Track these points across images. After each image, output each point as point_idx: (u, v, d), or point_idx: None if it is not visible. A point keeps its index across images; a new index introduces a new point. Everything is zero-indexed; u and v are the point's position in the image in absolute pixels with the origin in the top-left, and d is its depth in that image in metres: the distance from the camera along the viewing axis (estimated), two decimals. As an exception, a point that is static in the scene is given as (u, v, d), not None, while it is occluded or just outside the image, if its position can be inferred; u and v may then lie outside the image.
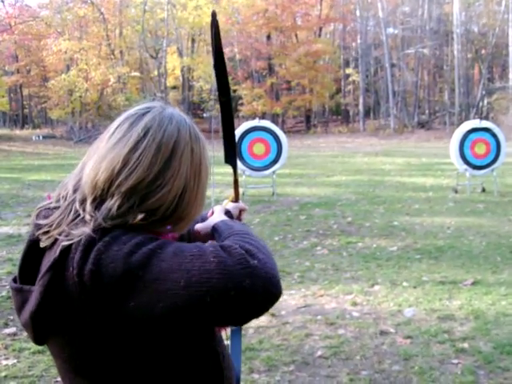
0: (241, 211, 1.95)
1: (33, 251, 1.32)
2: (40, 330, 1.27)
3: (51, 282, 1.20)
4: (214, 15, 1.64)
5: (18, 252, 7.82)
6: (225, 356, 1.45)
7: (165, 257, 1.15)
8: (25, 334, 4.90)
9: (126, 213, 1.24)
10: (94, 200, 1.26)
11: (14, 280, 1.34)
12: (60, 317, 1.22)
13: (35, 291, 1.23)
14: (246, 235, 1.30)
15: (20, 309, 1.28)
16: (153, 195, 1.26)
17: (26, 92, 54.65)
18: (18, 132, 44.83)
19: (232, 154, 1.88)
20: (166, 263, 1.14)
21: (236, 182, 1.98)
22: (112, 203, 1.24)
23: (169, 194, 1.27)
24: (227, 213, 1.77)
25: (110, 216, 1.23)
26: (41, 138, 39.82)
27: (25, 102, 56.23)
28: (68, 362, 1.30)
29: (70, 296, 1.19)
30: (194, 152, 1.33)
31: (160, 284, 1.12)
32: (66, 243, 1.21)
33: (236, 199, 1.97)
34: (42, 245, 1.28)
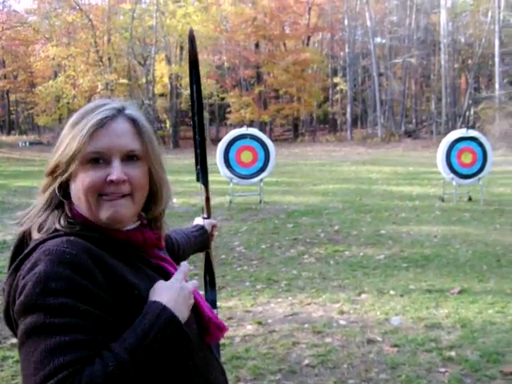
0: (213, 227, 2.09)
1: (18, 252, 1.40)
2: (12, 328, 1.37)
3: (13, 282, 1.32)
4: (191, 36, 1.66)
5: (3, 259, 7.74)
6: (199, 368, 1.45)
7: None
8: (8, 342, 4.84)
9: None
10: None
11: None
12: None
13: (4, 291, 1.34)
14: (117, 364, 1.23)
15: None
16: None
17: (12, 98, 54.37)
18: (4, 138, 44.60)
19: (204, 173, 1.94)
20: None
21: (208, 199, 2.06)
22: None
23: None
24: (201, 229, 2.01)
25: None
26: (27, 144, 39.62)
27: (11, 108, 55.92)
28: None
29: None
30: None
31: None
32: (29, 247, 1.35)
33: (208, 216, 2.09)
34: (14, 236, 1.43)
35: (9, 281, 1.33)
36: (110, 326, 1.26)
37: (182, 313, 1.33)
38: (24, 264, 1.29)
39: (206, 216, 2.01)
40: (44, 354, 1.16)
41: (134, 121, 1.45)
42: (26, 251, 1.33)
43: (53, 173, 1.41)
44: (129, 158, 1.41)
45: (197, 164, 1.82)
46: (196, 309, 1.46)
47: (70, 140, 1.37)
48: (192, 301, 1.40)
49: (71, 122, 1.41)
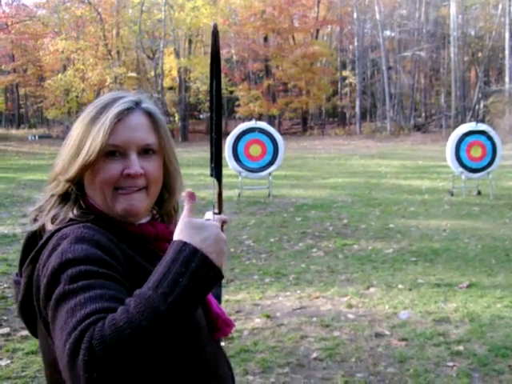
0: (223, 223, 2.04)
1: (30, 243, 1.40)
2: (28, 321, 1.37)
3: (32, 274, 1.30)
4: (215, 31, 1.63)
5: (13, 252, 7.79)
6: (209, 362, 1.44)
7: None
8: (18, 334, 4.88)
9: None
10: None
11: (17, 273, 1.42)
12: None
13: (21, 283, 1.33)
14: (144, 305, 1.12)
15: (16, 300, 1.37)
16: None
17: (22, 91, 54.52)
18: (13, 132, 44.75)
19: (218, 168, 1.93)
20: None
21: (220, 195, 2.03)
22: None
23: None
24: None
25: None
26: (37, 137, 39.75)
27: (21, 102, 56.11)
28: (43, 355, 1.38)
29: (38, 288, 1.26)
30: None
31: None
32: (44, 238, 1.34)
33: (219, 211, 2.03)
34: (28, 229, 1.42)
35: (26, 272, 1.32)
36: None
37: (211, 254, 1.22)
38: (42, 254, 1.28)
39: (217, 211, 1.99)
40: (67, 314, 1.12)
41: (150, 114, 1.46)
42: (41, 242, 1.33)
43: (81, 171, 1.39)
44: (145, 151, 1.42)
45: (212, 162, 1.82)
46: (204, 305, 1.45)
47: (94, 135, 1.37)
48: (225, 250, 1.29)
49: (90, 116, 1.40)
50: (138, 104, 1.45)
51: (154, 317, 1.09)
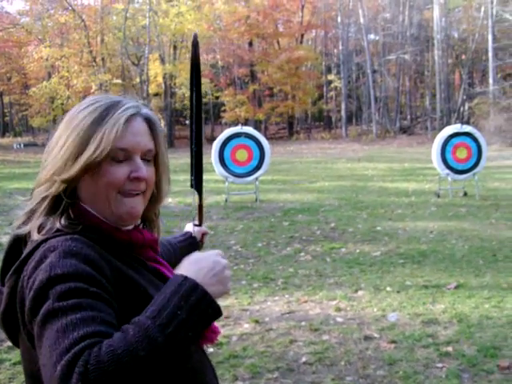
0: (203, 235, 2.05)
1: (14, 250, 1.39)
2: (9, 331, 1.34)
3: (15, 285, 1.27)
4: (195, 41, 1.61)
5: (-2, 261, 7.73)
6: (196, 370, 1.44)
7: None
8: (5, 344, 4.83)
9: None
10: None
11: None
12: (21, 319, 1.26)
13: (4, 293, 1.30)
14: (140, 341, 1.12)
15: None
16: None
17: (6, 100, 54.23)
18: (-2, 140, 44.46)
19: (198, 180, 1.93)
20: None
21: (200, 206, 2.02)
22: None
23: None
24: (190, 237, 2.00)
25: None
26: (22, 146, 39.52)
27: (5, 110, 55.80)
28: (25, 367, 1.36)
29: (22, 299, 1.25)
30: None
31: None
32: (29, 248, 1.31)
33: (200, 223, 2.04)
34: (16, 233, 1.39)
35: (10, 282, 1.29)
36: (117, 317, 1.21)
37: (212, 286, 1.24)
38: (27, 264, 1.26)
39: (197, 223, 1.98)
40: (57, 334, 1.10)
41: (149, 121, 1.47)
42: (26, 251, 1.30)
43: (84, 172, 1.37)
44: (145, 156, 1.44)
45: (192, 174, 1.81)
46: None
47: (103, 136, 1.35)
48: (228, 275, 1.31)
49: (93, 118, 1.37)
50: (139, 109, 1.45)
51: (151, 347, 1.10)
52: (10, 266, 1.34)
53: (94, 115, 1.38)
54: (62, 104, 40.80)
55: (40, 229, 1.34)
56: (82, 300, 1.15)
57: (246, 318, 5.47)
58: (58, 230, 1.33)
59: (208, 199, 13.80)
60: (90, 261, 1.24)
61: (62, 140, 1.38)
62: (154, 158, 1.47)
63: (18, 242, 1.38)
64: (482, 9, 40.55)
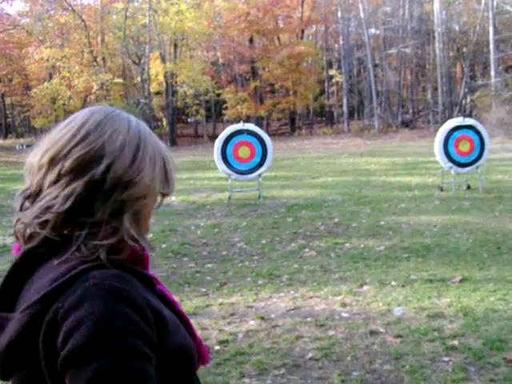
0: None
1: (16, 274, 1.22)
2: (11, 362, 1.14)
3: (39, 314, 1.10)
4: None
5: (2, 263, 7.74)
6: None
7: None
8: None
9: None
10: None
11: None
12: (35, 350, 1.10)
13: (16, 320, 1.12)
14: None
15: None
16: None
17: (8, 101, 54.28)
18: (1, 141, 44.58)
19: None
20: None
21: None
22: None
23: None
24: None
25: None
26: (25, 147, 39.51)
27: (7, 112, 55.87)
28: None
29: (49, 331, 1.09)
30: None
31: None
32: (62, 273, 1.13)
33: None
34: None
35: (30, 310, 1.11)
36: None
37: None
38: (63, 295, 1.10)
39: None
40: None
41: None
42: (61, 278, 1.11)
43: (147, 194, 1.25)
44: None
45: None
46: (191, 333, 1.31)
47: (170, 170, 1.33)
48: None
49: (153, 148, 1.29)
50: None
51: None
52: (16, 287, 1.20)
53: (153, 146, 1.30)
54: (64, 104, 40.86)
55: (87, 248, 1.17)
56: (141, 364, 1.08)
57: (251, 315, 5.47)
58: (98, 258, 1.15)
59: (211, 197, 13.81)
60: (139, 309, 1.12)
61: (147, 155, 1.26)
62: None
63: (31, 257, 1.21)
64: (483, 1, 40.42)
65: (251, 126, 14.19)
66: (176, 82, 45.01)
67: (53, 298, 1.10)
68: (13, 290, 1.20)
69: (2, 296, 1.20)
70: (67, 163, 1.18)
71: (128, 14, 41.89)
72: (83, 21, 41.92)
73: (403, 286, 6.12)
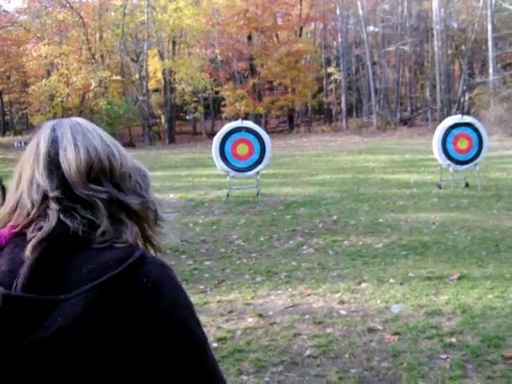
0: None
1: (52, 256, 1.16)
2: (75, 342, 1.11)
3: (114, 289, 1.12)
4: None
5: None
6: None
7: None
8: None
9: None
10: None
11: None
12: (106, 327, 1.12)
13: (83, 298, 1.09)
14: None
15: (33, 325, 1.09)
16: None
17: (6, 98, 54.17)
18: (-1, 139, 44.47)
19: None
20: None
21: None
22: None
23: None
24: None
25: None
26: (23, 144, 39.47)
27: (5, 109, 55.75)
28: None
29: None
30: None
31: None
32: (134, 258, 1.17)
33: None
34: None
35: (107, 285, 1.11)
36: None
37: None
38: (139, 272, 1.15)
39: None
40: (213, 361, 1.22)
41: None
42: (130, 260, 1.15)
43: None
44: None
45: None
46: None
47: None
48: None
49: None
50: None
51: None
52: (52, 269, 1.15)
53: None
54: (62, 102, 40.79)
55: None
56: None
57: (249, 312, 5.47)
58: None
59: (209, 194, 13.80)
60: None
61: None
62: None
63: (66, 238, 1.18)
64: (481, -2, 40.42)
65: (249, 124, 14.18)
66: (174, 79, 45.01)
67: (127, 276, 1.13)
68: (48, 272, 1.15)
69: (37, 278, 1.14)
70: None
71: (126, 11, 41.84)
72: (81, 18, 41.84)
73: (401, 284, 6.13)
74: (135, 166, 1.31)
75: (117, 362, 1.13)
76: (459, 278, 6.22)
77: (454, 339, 4.59)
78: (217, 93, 47.79)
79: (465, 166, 13.37)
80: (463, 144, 13.30)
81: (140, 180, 1.29)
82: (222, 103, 47.42)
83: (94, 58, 43.14)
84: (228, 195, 13.16)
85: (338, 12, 48.39)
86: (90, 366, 1.12)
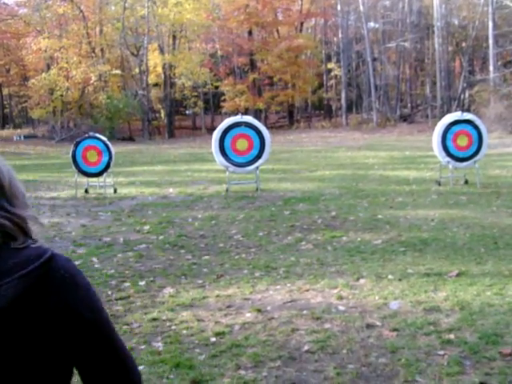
0: None
1: None
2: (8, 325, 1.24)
3: (40, 277, 1.28)
4: None
5: None
6: None
7: None
8: None
9: None
10: None
11: None
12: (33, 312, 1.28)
13: (12, 284, 1.22)
14: None
15: None
16: None
17: (5, 92, 54.17)
18: (-2, 132, 44.40)
19: None
20: None
21: None
22: None
23: None
24: None
25: None
26: (22, 137, 39.47)
27: (5, 102, 55.71)
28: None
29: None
30: None
31: None
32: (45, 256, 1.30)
33: None
34: None
35: (33, 274, 1.25)
36: None
37: None
38: (53, 266, 1.29)
39: None
40: (122, 344, 1.38)
41: None
42: (47, 255, 1.29)
43: None
44: None
45: None
46: None
47: None
48: None
49: None
50: None
51: None
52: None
53: None
54: (62, 95, 40.75)
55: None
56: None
57: (247, 307, 5.47)
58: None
59: (209, 189, 13.80)
60: None
61: None
62: None
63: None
64: (483, -5, 40.35)
65: (249, 119, 14.17)
66: (174, 74, 44.95)
67: (45, 268, 1.27)
68: None
69: None
70: None
71: (127, 4, 41.78)
72: (81, 11, 41.78)
73: (400, 280, 6.12)
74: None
75: (43, 343, 1.28)
76: (458, 275, 6.22)
77: (452, 336, 4.60)
78: (217, 88, 47.75)
79: (464, 163, 13.36)
80: (463, 141, 13.29)
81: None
82: (222, 98, 47.39)
83: (93, 51, 43.09)
84: (227, 190, 13.16)
85: (338, 8, 48.34)
86: (17, 346, 1.25)
